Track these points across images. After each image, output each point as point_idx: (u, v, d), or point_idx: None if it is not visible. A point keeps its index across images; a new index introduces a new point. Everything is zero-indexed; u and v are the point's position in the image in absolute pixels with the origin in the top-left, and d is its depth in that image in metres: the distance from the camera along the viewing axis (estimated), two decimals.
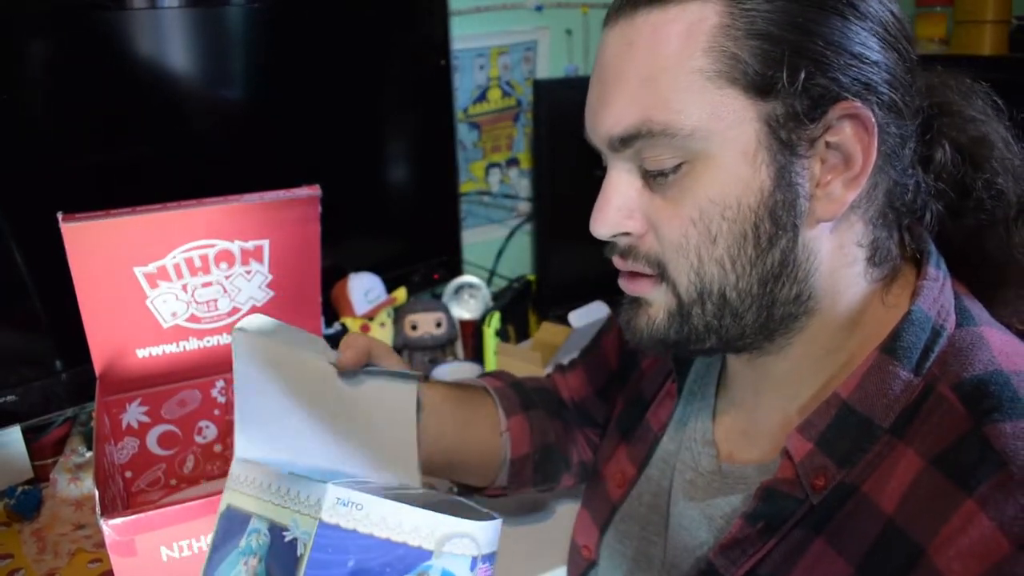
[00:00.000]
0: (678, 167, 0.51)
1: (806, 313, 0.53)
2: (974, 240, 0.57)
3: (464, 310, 1.41)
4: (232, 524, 0.50)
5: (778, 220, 0.50)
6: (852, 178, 0.50)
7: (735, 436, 0.61)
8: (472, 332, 1.35)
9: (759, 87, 0.49)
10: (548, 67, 1.64)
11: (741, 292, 0.52)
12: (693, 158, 0.50)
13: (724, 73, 0.49)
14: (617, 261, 0.56)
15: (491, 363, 1.32)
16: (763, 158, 0.50)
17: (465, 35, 1.49)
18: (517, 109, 1.64)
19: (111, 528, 0.71)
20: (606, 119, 0.53)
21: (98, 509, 0.73)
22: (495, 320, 1.31)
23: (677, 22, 0.49)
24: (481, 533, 0.45)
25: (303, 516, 0.44)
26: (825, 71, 0.48)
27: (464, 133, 1.58)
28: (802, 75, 0.48)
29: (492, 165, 1.65)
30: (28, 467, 1.06)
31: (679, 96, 0.49)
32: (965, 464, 0.45)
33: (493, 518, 0.48)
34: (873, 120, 0.49)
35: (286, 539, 0.44)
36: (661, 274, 0.54)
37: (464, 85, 1.55)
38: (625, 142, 0.52)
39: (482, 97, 1.59)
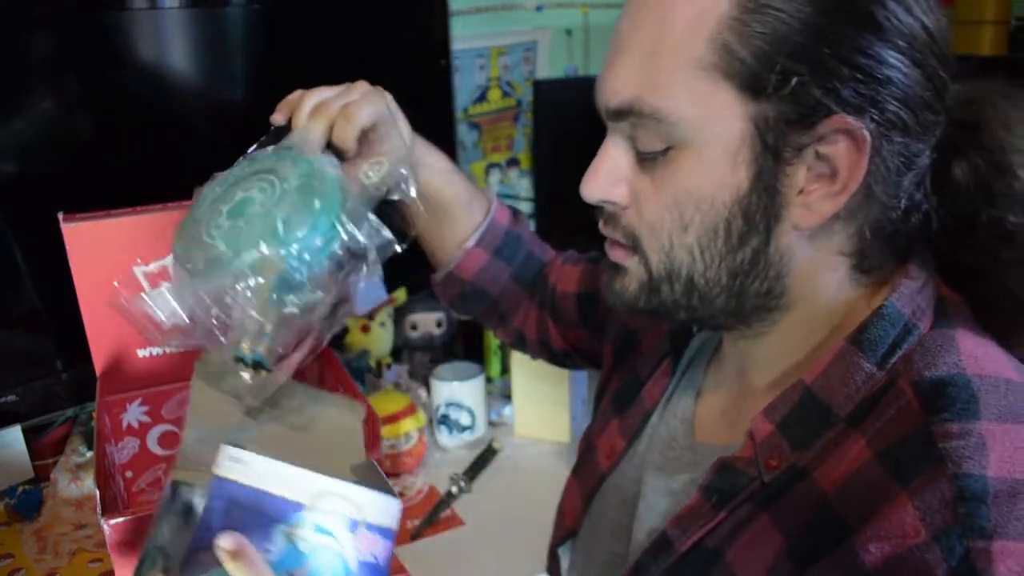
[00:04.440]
0: (664, 151, 0.51)
1: (779, 308, 0.54)
2: (971, 273, 0.54)
3: None
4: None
5: (751, 220, 0.51)
6: (835, 193, 0.49)
7: (714, 415, 0.62)
8: (472, 332, 1.35)
9: (752, 87, 0.48)
10: (548, 67, 1.64)
11: (709, 280, 0.53)
12: (678, 145, 0.51)
13: (719, 67, 0.48)
14: (600, 225, 0.58)
15: (492, 363, 1.32)
16: (744, 157, 0.50)
17: (465, 35, 1.49)
18: (517, 109, 1.65)
19: (112, 528, 0.72)
20: (607, 87, 0.53)
21: (99, 509, 0.73)
22: None
23: (690, 4, 0.49)
24: (360, 497, 0.49)
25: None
26: (823, 81, 0.47)
27: (464, 133, 1.58)
28: (793, 81, 0.47)
29: (492, 165, 1.66)
30: (28, 467, 1.06)
31: (672, 82, 0.49)
32: (906, 460, 0.46)
33: (393, 495, 0.51)
34: (868, 140, 0.48)
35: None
36: (634, 247, 0.55)
37: (464, 85, 1.55)
38: (619, 115, 0.53)
39: (482, 97, 1.59)
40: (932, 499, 0.43)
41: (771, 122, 0.48)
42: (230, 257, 0.58)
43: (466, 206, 0.85)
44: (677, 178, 0.51)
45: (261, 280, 0.58)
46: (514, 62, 1.60)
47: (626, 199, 0.54)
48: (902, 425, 0.48)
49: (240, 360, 0.58)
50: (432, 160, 0.83)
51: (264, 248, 0.57)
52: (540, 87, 1.54)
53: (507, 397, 1.24)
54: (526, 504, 1.04)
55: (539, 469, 1.12)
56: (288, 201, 0.58)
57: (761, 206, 0.50)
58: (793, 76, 0.47)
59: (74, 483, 1.04)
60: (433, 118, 1.44)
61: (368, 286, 0.62)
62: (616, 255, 0.57)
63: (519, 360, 1.18)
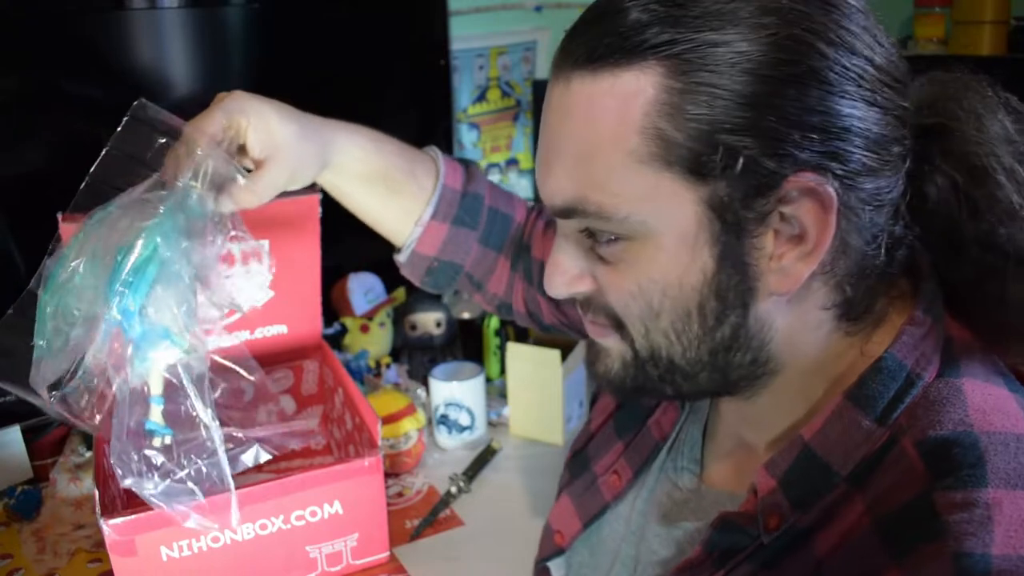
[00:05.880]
0: (619, 241, 0.49)
1: (767, 374, 0.52)
2: (969, 289, 0.51)
3: (464, 310, 1.41)
4: None
5: (724, 299, 0.48)
6: (807, 254, 0.46)
7: (719, 459, 0.61)
8: (472, 332, 1.35)
9: (696, 171, 0.45)
10: (547, 67, 1.64)
11: (690, 360, 0.51)
12: (631, 237, 0.48)
13: (658, 156, 0.45)
14: (579, 309, 0.56)
15: (491, 363, 1.32)
16: (704, 239, 0.47)
17: (465, 35, 1.49)
18: (516, 109, 1.65)
19: (111, 528, 0.72)
20: (547, 186, 0.51)
21: (98, 509, 0.73)
22: (495, 320, 1.31)
23: (611, 96, 0.45)
24: None
25: None
26: (774, 150, 0.43)
27: (464, 133, 1.58)
28: (741, 160, 0.44)
29: (492, 165, 1.66)
30: (28, 467, 1.06)
31: (613, 179, 0.47)
32: (904, 532, 0.43)
33: None
34: (832, 196, 0.44)
35: None
36: (619, 326, 0.52)
37: (464, 85, 1.55)
38: (565, 214, 0.50)
39: (481, 97, 1.59)
40: (922, 572, 0.41)
41: (726, 200, 0.45)
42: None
43: (408, 175, 0.79)
44: (638, 267, 0.49)
45: (120, 350, 0.63)
46: (513, 62, 1.60)
47: (591, 286, 0.53)
48: (904, 490, 0.45)
49: (150, 433, 0.62)
50: (349, 136, 0.76)
51: (107, 314, 0.62)
52: (540, 87, 1.54)
53: (506, 397, 1.24)
54: (526, 504, 1.04)
55: (539, 470, 1.12)
56: (103, 267, 0.64)
57: (733, 283, 0.47)
58: (739, 153, 0.44)
59: (73, 483, 1.04)
60: (432, 118, 1.44)
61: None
62: (598, 334, 0.55)
63: (514, 361, 1.18)
